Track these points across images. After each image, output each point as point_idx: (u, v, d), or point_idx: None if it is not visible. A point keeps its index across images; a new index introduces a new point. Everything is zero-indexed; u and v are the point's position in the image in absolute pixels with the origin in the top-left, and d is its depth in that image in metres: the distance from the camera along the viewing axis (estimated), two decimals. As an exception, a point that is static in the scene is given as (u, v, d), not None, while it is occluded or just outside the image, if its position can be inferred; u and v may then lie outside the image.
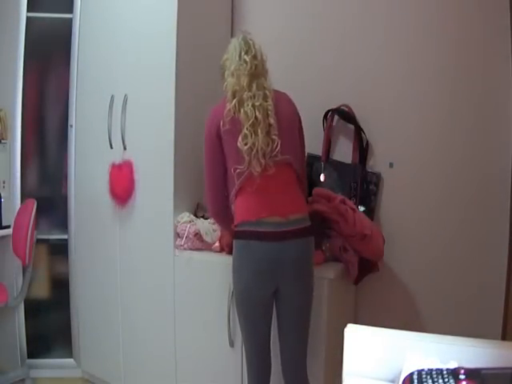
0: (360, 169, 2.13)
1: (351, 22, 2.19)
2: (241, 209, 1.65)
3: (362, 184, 2.12)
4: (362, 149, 2.15)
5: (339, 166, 2.16)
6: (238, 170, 1.62)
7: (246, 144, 1.59)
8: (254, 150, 1.59)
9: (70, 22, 2.49)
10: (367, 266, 1.98)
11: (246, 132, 1.59)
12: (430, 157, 2.07)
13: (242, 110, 1.60)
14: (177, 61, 2.02)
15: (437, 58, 2.03)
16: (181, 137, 2.07)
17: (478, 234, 1.99)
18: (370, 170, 2.15)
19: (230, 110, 1.62)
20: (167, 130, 2.05)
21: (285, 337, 1.69)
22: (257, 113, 1.59)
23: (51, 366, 2.59)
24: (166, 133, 2.06)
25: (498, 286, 1.94)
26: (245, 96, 1.61)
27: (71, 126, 2.52)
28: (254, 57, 1.66)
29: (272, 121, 1.61)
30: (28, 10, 2.50)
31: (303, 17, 2.28)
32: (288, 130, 1.68)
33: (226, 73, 1.67)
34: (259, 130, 1.59)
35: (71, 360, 2.61)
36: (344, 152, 2.19)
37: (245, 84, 1.62)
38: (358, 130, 2.14)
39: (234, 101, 1.61)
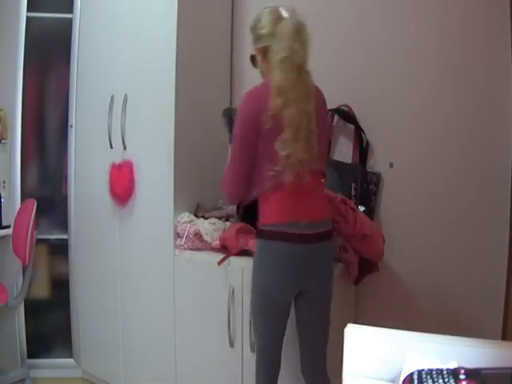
0: (360, 169, 2.13)
1: (351, 21, 2.19)
2: (270, 210, 1.60)
3: (362, 184, 2.12)
4: (362, 149, 2.15)
5: (339, 166, 2.16)
6: (271, 173, 1.53)
7: (284, 149, 1.50)
8: (292, 158, 1.50)
9: (70, 22, 2.49)
10: (367, 266, 1.98)
11: (288, 138, 1.50)
12: (430, 157, 2.07)
13: (285, 112, 1.50)
14: (177, 61, 2.02)
15: (437, 57, 2.03)
16: (181, 137, 2.07)
17: (478, 234, 1.99)
18: (370, 170, 2.15)
19: (273, 107, 1.49)
20: (167, 130, 2.05)
21: (307, 341, 1.68)
22: (301, 118, 1.51)
23: (51, 366, 2.59)
24: (166, 133, 2.06)
25: (498, 286, 1.94)
26: (290, 97, 1.50)
27: (71, 126, 2.52)
28: (304, 45, 1.53)
29: (313, 127, 1.54)
30: (28, 10, 2.50)
31: (303, 17, 2.27)
32: (322, 134, 1.63)
33: (274, 61, 1.52)
34: (300, 138, 1.50)
35: (71, 360, 2.60)
36: (344, 152, 2.19)
37: (292, 82, 1.50)
38: (358, 130, 2.15)
39: (279, 100, 1.49)
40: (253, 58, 1.70)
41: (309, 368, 1.71)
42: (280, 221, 1.57)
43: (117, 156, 2.24)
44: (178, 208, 2.08)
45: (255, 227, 2.00)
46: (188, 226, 2.02)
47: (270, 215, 1.60)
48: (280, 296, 1.61)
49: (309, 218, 1.58)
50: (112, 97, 2.25)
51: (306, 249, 1.57)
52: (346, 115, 2.17)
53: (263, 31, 1.59)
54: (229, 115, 1.89)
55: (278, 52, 1.51)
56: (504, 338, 1.89)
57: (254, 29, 1.64)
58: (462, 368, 0.76)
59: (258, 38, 1.62)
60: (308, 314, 1.66)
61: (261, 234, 1.63)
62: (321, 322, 1.67)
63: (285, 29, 1.52)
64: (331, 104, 2.16)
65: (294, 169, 1.51)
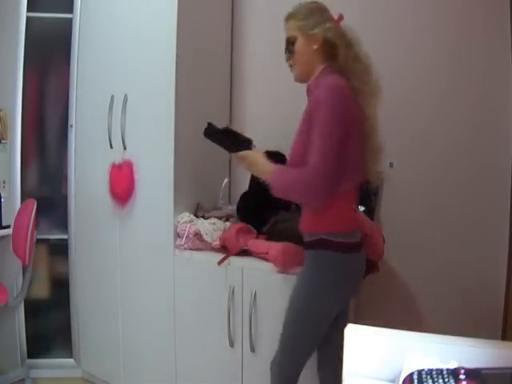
0: (360, 169, 2.12)
1: (350, 21, 2.18)
2: (340, 216, 1.51)
3: (362, 184, 2.12)
4: (362, 149, 2.14)
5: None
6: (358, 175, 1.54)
7: (373, 151, 1.55)
8: (375, 160, 1.57)
9: (70, 22, 2.49)
10: (367, 266, 1.97)
11: (376, 141, 1.55)
12: (430, 157, 2.07)
13: (371, 115, 1.53)
14: (177, 61, 2.02)
15: (437, 57, 2.03)
16: (181, 137, 2.07)
17: (478, 234, 1.99)
18: (370, 170, 2.14)
19: (369, 110, 1.52)
20: (167, 129, 2.05)
21: (335, 345, 1.62)
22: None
23: (51, 366, 2.59)
24: (166, 133, 2.06)
25: (498, 286, 1.94)
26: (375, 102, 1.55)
27: (71, 125, 2.52)
28: None
29: None
30: (28, 10, 2.50)
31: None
32: None
33: (364, 65, 1.53)
34: None
35: (71, 360, 2.61)
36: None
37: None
38: (358, 130, 2.14)
39: (374, 103, 1.53)
40: (294, 41, 1.57)
41: (327, 368, 1.69)
42: (349, 229, 1.52)
43: (117, 156, 2.24)
44: (178, 208, 2.08)
45: (255, 227, 2.01)
46: (188, 225, 2.02)
47: (337, 222, 1.51)
48: (335, 310, 1.56)
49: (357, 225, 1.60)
50: (112, 97, 2.25)
51: (362, 256, 1.59)
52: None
53: (329, 26, 1.54)
54: (213, 132, 1.70)
55: (365, 57, 1.54)
56: (504, 338, 1.89)
57: (310, 14, 1.56)
58: (462, 368, 0.76)
59: (319, 26, 1.53)
60: (341, 321, 1.61)
61: (333, 246, 1.48)
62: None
63: (357, 36, 1.56)
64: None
65: (376, 169, 1.58)
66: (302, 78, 1.61)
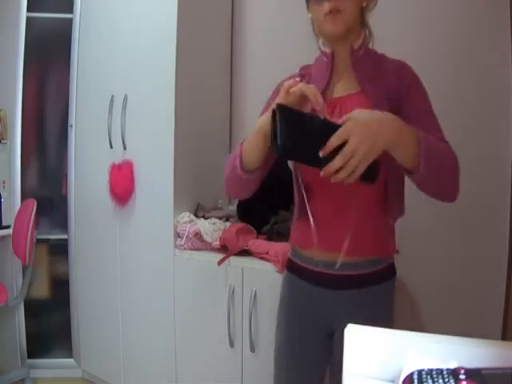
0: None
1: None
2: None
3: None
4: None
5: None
6: None
7: None
8: None
9: (70, 22, 2.50)
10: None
11: None
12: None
13: None
14: (177, 61, 2.02)
15: (435, 57, 2.03)
16: (181, 137, 2.07)
17: (479, 234, 1.99)
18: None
19: None
20: (167, 129, 2.05)
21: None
22: None
23: (51, 366, 2.60)
24: (165, 133, 2.06)
25: (498, 286, 1.94)
26: None
27: (71, 125, 2.52)
28: None
29: None
30: (28, 10, 2.50)
31: (303, 17, 2.27)
32: None
33: None
34: None
35: (71, 360, 2.61)
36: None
37: None
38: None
39: None
40: None
41: None
42: None
43: (117, 156, 2.24)
44: (178, 208, 2.08)
45: (255, 227, 2.01)
46: (188, 225, 2.02)
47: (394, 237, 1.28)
48: None
49: None
50: (112, 97, 2.25)
51: None
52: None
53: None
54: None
55: None
56: (504, 338, 1.89)
57: None
58: (462, 368, 0.76)
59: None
60: None
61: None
62: None
63: None
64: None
65: None
66: (343, 33, 1.17)
